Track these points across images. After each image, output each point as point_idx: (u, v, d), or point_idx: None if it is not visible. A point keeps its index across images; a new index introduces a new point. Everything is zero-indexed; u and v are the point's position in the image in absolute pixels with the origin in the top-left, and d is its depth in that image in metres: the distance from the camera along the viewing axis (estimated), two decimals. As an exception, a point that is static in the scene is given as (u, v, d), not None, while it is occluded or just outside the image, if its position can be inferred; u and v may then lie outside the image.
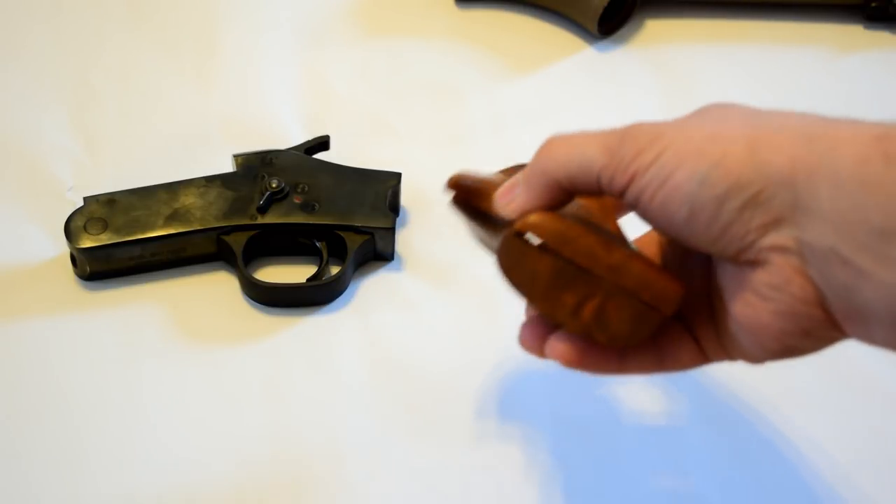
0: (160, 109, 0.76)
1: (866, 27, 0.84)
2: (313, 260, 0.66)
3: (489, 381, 0.61)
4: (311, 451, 0.59)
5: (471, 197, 0.51)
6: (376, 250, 0.66)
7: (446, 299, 0.65)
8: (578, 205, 0.48)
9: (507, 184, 0.48)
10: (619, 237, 0.48)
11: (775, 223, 0.41)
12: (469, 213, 0.51)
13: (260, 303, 0.65)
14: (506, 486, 0.57)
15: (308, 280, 0.64)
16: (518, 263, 0.45)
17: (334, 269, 0.65)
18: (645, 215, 0.44)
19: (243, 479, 0.57)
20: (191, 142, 0.73)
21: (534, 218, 0.45)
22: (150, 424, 0.59)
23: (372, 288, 0.66)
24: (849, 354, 0.61)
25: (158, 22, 0.82)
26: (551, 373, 0.61)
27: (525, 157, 0.74)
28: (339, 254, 0.66)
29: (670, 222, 0.43)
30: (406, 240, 0.68)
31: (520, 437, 0.59)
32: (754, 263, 0.42)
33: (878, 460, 0.59)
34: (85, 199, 0.65)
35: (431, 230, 0.69)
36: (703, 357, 0.47)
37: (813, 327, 0.42)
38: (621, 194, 0.44)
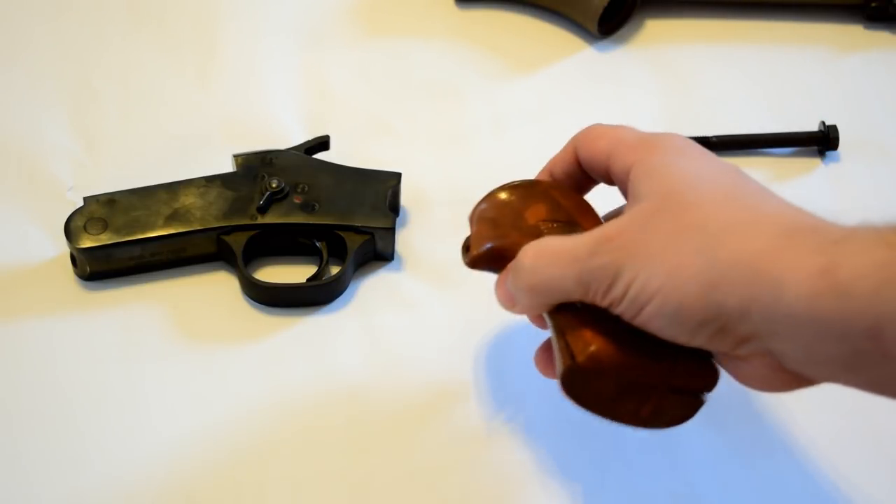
0: (160, 110, 0.76)
1: (866, 27, 0.84)
2: (313, 260, 0.66)
3: (489, 381, 0.61)
4: (310, 450, 0.59)
5: (491, 264, 0.55)
6: (376, 250, 0.66)
7: (446, 299, 0.65)
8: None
9: (502, 286, 0.53)
10: None
11: (745, 340, 0.45)
12: (493, 270, 0.55)
13: (260, 303, 0.65)
14: (506, 486, 0.57)
15: (308, 280, 0.64)
16: (583, 388, 0.50)
17: (334, 269, 0.65)
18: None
19: (243, 479, 0.57)
20: (191, 142, 0.73)
21: (594, 350, 0.49)
22: (151, 424, 0.59)
23: (372, 288, 0.66)
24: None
25: (158, 22, 0.82)
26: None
27: (525, 157, 0.75)
28: (339, 254, 0.66)
29: (656, 333, 0.47)
30: (406, 240, 0.68)
31: (520, 437, 0.59)
32: (740, 358, 0.47)
33: (878, 460, 0.59)
34: (85, 199, 0.65)
35: (431, 230, 0.69)
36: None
37: (804, 384, 0.47)
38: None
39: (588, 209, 0.54)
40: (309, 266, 0.66)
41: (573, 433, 0.59)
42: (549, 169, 0.57)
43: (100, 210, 0.65)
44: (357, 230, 0.65)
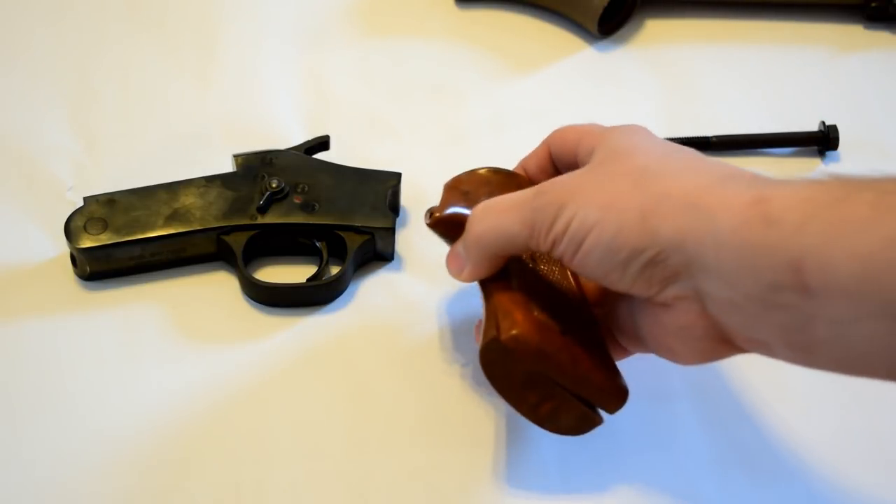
0: (160, 109, 0.76)
1: (866, 27, 0.84)
2: (313, 260, 0.66)
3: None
4: (310, 450, 0.59)
5: (450, 231, 0.58)
6: (376, 250, 0.66)
7: (446, 299, 0.65)
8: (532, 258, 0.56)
9: (453, 252, 0.56)
10: (572, 292, 0.56)
11: (674, 277, 0.47)
12: (449, 240, 0.59)
13: (260, 303, 0.65)
14: (506, 486, 0.57)
15: (308, 280, 0.64)
16: (498, 365, 0.53)
17: (334, 269, 0.65)
18: (569, 268, 0.51)
19: (243, 478, 0.57)
20: (191, 142, 0.73)
21: (516, 332, 0.51)
22: (150, 424, 0.59)
23: (372, 288, 0.66)
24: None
25: (158, 22, 0.82)
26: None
27: (524, 156, 0.75)
28: (339, 254, 0.66)
29: (590, 276, 0.50)
30: (406, 240, 0.68)
31: (520, 438, 0.59)
32: (664, 306, 0.49)
33: (878, 460, 0.59)
34: (85, 199, 0.65)
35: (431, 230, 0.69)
36: (626, 353, 0.56)
37: (718, 353, 0.50)
38: (548, 253, 0.51)
39: None
40: (309, 266, 0.66)
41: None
42: (522, 165, 0.61)
43: (100, 210, 0.65)
44: (357, 230, 0.65)
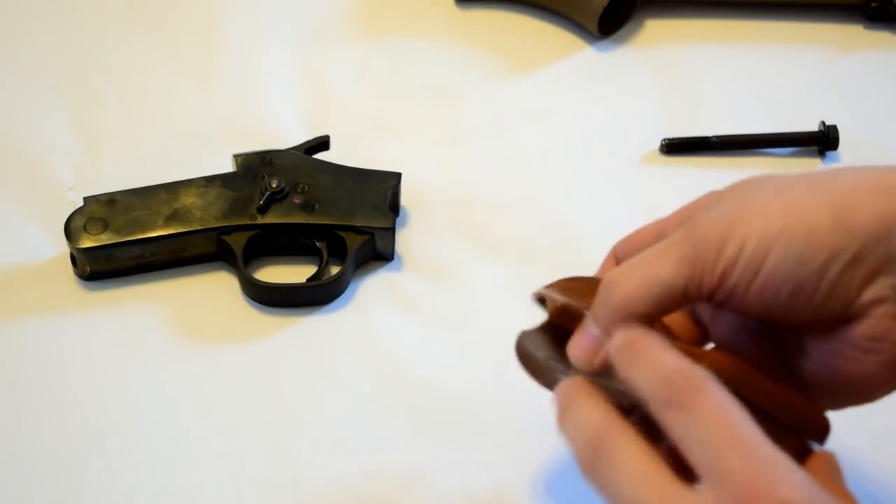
0: (160, 109, 0.76)
1: (866, 27, 0.84)
2: (313, 260, 0.66)
3: (489, 381, 0.61)
4: (310, 451, 0.59)
5: (566, 323, 0.48)
6: (376, 250, 0.66)
7: (446, 299, 0.65)
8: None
9: (579, 336, 0.45)
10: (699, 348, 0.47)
11: (874, 275, 0.41)
12: (553, 339, 0.49)
13: (260, 303, 0.65)
14: (506, 486, 0.57)
15: (308, 280, 0.64)
16: None
17: (334, 269, 0.65)
18: (738, 307, 0.43)
19: (243, 479, 0.57)
20: (191, 142, 0.73)
21: (712, 360, 0.43)
22: (150, 424, 0.59)
23: (372, 288, 0.66)
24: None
25: (158, 22, 0.82)
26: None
27: (525, 157, 0.74)
28: (339, 254, 0.66)
29: (769, 305, 0.42)
30: (406, 240, 0.68)
31: (520, 438, 0.59)
32: (849, 320, 0.42)
33: (878, 459, 0.59)
34: (85, 199, 0.65)
35: (431, 230, 0.69)
36: None
37: None
38: (710, 298, 0.43)
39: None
40: (309, 266, 0.66)
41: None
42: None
43: (100, 210, 0.65)
44: (357, 230, 0.65)
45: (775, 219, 0.41)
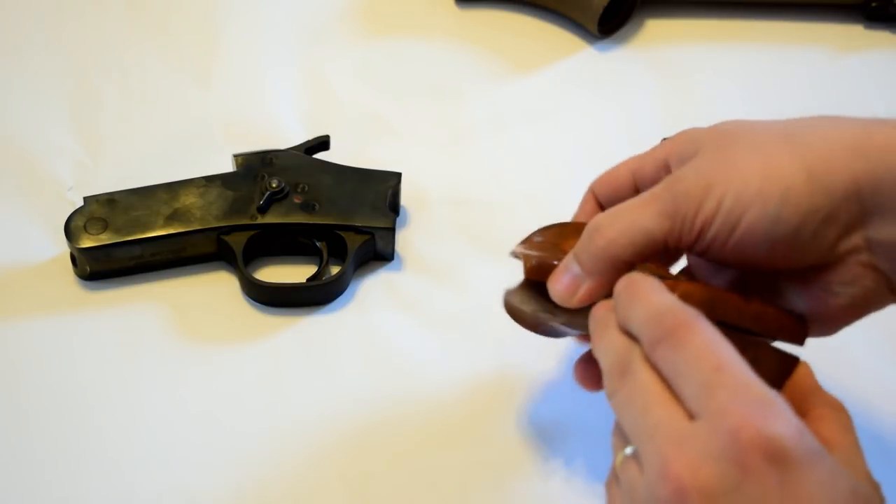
0: (160, 109, 0.76)
1: (866, 27, 0.84)
2: (313, 260, 0.66)
3: (489, 381, 0.61)
4: (310, 450, 0.59)
5: (542, 277, 0.50)
6: (376, 250, 0.66)
7: (446, 299, 0.65)
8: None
9: (560, 274, 0.48)
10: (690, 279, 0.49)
11: (847, 231, 0.43)
12: (537, 292, 0.51)
13: (260, 303, 0.65)
14: (506, 486, 0.57)
15: (308, 280, 0.64)
16: None
17: (334, 269, 0.65)
18: (715, 258, 0.45)
19: (243, 479, 0.57)
20: (191, 142, 0.73)
21: (683, 289, 0.45)
22: (150, 424, 0.59)
23: (372, 288, 0.66)
24: (852, 354, 0.61)
25: (158, 22, 0.82)
26: (552, 373, 0.61)
27: (525, 157, 0.74)
28: (339, 254, 0.66)
29: (745, 257, 0.45)
30: (406, 240, 0.68)
31: (520, 437, 0.59)
32: (823, 267, 0.44)
33: (879, 459, 0.59)
34: (85, 199, 0.65)
35: (431, 230, 0.69)
36: None
37: (882, 303, 0.45)
38: (688, 248, 0.45)
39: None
40: (309, 266, 0.66)
41: (573, 433, 0.59)
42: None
43: (100, 210, 0.65)
44: (357, 230, 0.65)
45: (752, 178, 0.43)
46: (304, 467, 0.58)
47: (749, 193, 0.43)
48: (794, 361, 0.47)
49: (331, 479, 0.57)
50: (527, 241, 0.53)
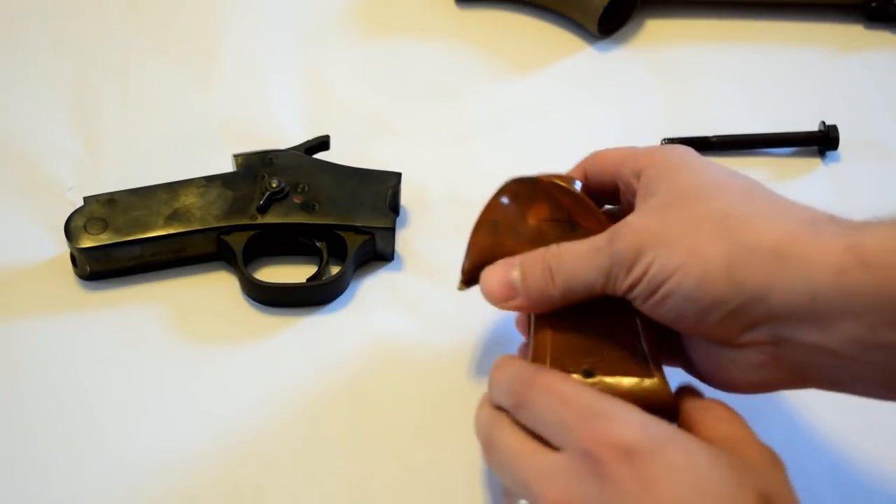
0: (160, 109, 0.76)
1: (866, 27, 0.84)
2: (313, 260, 0.66)
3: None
4: (310, 450, 0.59)
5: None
6: (376, 250, 0.66)
7: (446, 299, 0.65)
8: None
9: (501, 275, 0.53)
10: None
11: (753, 325, 0.46)
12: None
13: (260, 303, 0.65)
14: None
15: (308, 280, 0.64)
16: None
17: (334, 269, 0.65)
18: (640, 309, 0.50)
19: (243, 479, 0.57)
20: (191, 142, 0.73)
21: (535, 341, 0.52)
22: (150, 424, 0.59)
23: (372, 288, 0.66)
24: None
25: (158, 22, 0.82)
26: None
27: (525, 156, 0.74)
28: (339, 254, 0.66)
29: (660, 319, 0.49)
30: (406, 240, 0.68)
31: (520, 437, 0.59)
32: (734, 347, 0.48)
33: (879, 459, 0.59)
34: (85, 199, 0.65)
35: (431, 230, 0.69)
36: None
37: (785, 386, 0.49)
38: (621, 297, 0.50)
39: (587, 206, 0.55)
40: (309, 266, 0.66)
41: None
42: None
43: (100, 210, 0.65)
44: (357, 230, 0.65)
45: (679, 254, 0.47)
46: (304, 466, 0.58)
47: (672, 266, 0.47)
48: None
49: (330, 478, 0.57)
50: (491, 203, 0.56)
